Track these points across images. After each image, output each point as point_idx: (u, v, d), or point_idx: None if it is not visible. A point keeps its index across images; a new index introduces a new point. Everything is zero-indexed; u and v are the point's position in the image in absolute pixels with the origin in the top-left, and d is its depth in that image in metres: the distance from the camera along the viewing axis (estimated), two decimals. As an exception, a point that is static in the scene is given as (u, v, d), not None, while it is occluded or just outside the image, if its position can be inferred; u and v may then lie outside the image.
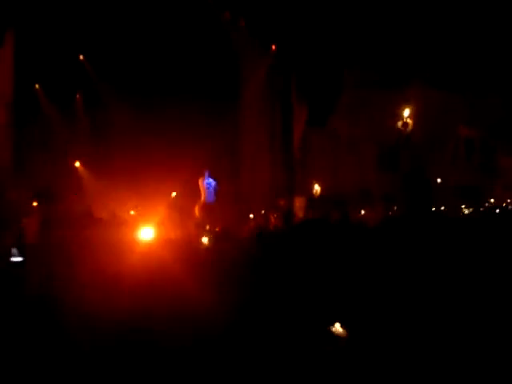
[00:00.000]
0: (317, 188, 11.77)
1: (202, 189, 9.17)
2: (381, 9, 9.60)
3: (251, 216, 9.45)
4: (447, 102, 9.03)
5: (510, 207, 7.68)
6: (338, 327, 2.53)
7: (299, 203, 10.85)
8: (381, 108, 10.13)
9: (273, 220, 9.17)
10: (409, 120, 9.32)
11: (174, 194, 10.76)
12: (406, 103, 9.37)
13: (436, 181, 9.78)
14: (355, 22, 9.62)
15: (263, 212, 9.27)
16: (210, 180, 9.24)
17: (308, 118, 11.67)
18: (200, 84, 11.49)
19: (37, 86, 11.80)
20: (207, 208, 9.14)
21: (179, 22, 11.43)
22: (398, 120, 9.45)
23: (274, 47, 11.56)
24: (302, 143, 11.82)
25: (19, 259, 5.22)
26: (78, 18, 10.97)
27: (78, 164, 12.63)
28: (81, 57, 11.75)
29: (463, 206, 8.63)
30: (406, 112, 9.34)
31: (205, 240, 5.71)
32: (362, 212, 9.85)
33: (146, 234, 8.18)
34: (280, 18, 10.78)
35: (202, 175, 9.24)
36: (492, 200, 8.78)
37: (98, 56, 11.63)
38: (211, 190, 9.24)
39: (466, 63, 8.84)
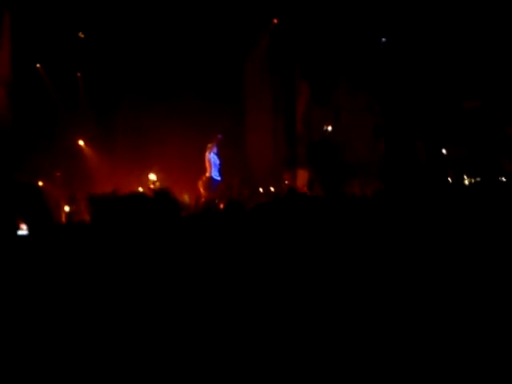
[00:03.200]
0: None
1: (207, 163, 9.18)
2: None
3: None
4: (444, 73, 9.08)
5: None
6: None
7: (302, 176, 10.93)
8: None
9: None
10: None
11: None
12: None
13: (442, 152, 9.84)
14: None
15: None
16: (214, 156, 9.25)
17: (311, 93, 11.66)
18: (202, 61, 11.46)
19: (38, 65, 11.72)
20: (212, 183, 9.18)
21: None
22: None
23: (275, 21, 11.49)
24: (306, 118, 11.83)
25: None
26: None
27: (81, 142, 12.63)
28: (80, 34, 11.63)
29: (465, 177, 8.70)
30: None
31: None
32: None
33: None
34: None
35: (209, 149, 9.23)
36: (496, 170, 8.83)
37: (99, 35, 11.55)
38: (217, 164, 9.26)
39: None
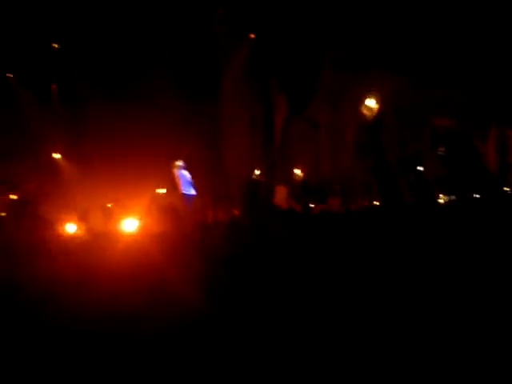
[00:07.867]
0: (299, 174, 11.67)
1: (177, 180, 8.98)
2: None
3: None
4: (417, 91, 8.96)
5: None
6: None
7: (280, 193, 10.76)
8: (357, 92, 9.99)
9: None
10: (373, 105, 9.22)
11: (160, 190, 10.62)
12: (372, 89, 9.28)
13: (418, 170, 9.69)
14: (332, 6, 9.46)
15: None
16: (183, 172, 9.04)
17: (288, 106, 11.50)
18: (179, 75, 11.31)
19: (10, 75, 11.52)
20: (186, 199, 8.98)
21: (156, 10, 11.19)
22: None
23: (252, 36, 11.35)
24: (283, 132, 11.66)
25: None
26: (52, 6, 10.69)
27: (57, 155, 12.39)
28: (55, 45, 11.42)
29: (441, 196, 8.57)
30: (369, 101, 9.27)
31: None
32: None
33: (130, 225, 8.06)
34: (258, 6, 10.61)
35: (176, 166, 9.04)
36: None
37: (72, 46, 11.36)
38: (186, 180, 9.05)
39: (435, 53, 8.82)
